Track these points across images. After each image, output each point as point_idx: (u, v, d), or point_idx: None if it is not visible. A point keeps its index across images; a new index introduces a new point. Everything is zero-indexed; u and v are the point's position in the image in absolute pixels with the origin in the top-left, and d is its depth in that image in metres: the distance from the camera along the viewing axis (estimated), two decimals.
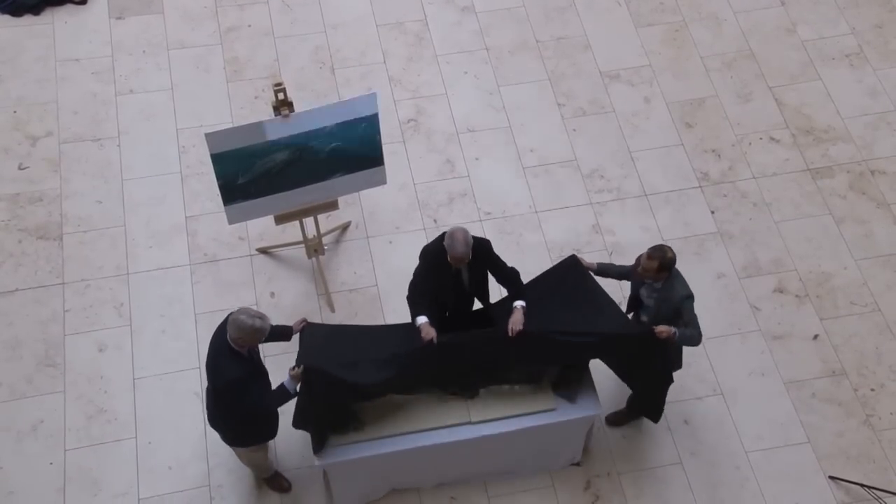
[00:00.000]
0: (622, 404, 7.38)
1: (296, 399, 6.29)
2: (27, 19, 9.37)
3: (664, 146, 8.84)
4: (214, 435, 7.21)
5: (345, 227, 8.29)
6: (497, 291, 6.86)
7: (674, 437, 7.42)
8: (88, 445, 7.24)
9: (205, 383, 7.31)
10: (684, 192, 8.58)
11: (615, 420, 7.42)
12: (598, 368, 7.15)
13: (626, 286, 7.03)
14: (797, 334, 7.91)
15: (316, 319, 7.61)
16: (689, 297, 6.47)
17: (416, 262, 6.62)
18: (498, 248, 6.68)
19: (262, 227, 8.13)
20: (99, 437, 7.27)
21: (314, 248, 7.79)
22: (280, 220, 7.54)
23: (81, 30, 9.32)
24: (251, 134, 6.88)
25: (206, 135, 6.82)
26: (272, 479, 7.07)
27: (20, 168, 8.49)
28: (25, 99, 8.86)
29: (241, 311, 5.96)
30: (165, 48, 9.24)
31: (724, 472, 7.30)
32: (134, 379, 7.52)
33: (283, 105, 6.87)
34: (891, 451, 7.41)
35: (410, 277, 6.59)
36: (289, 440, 7.23)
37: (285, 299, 7.88)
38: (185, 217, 8.28)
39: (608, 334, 6.52)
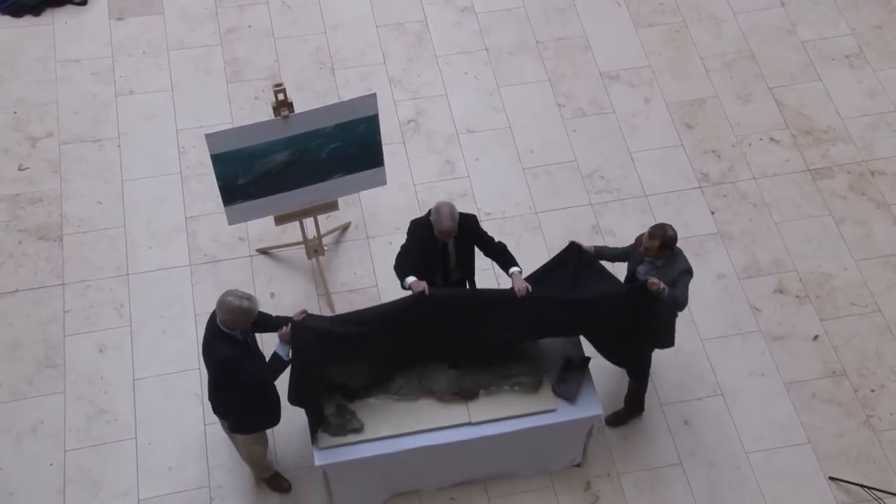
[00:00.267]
0: (621, 404, 7.38)
1: (291, 377, 6.29)
2: (27, 20, 9.37)
3: (664, 147, 8.84)
4: (215, 435, 7.23)
5: (345, 228, 8.29)
6: (488, 272, 6.85)
7: (674, 437, 7.42)
8: (88, 446, 7.24)
9: (205, 384, 7.33)
10: (684, 192, 8.58)
11: (615, 420, 7.43)
12: (598, 369, 7.16)
13: (619, 266, 7.01)
14: (797, 335, 7.90)
15: None
16: (688, 271, 6.54)
17: None
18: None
19: (262, 227, 8.13)
20: (99, 437, 7.27)
21: (314, 248, 7.79)
22: (280, 220, 7.54)
23: (81, 31, 9.32)
24: (251, 134, 6.88)
25: (206, 135, 6.83)
26: (272, 480, 7.07)
27: (20, 169, 8.49)
28: (26, 100, 8.87)
29: (229, 293, 5.99)
30: (165, 49, 9.24)
31: (724, 472, 7.30)
32: (134, 379, 7.52)
33: (282, 106, 6.87)
34: (891, 451, 7.41)
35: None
36: (289, 440, 7.24)
37: (285, 300, 7.88)
38: (185, 218, 8.28)
39: (605, 293, 6.53)
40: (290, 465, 7.18)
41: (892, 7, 9.79)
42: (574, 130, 8.90)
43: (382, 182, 7.54)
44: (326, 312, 7.78)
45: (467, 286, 6.97)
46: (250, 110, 8.82)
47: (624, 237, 8.23)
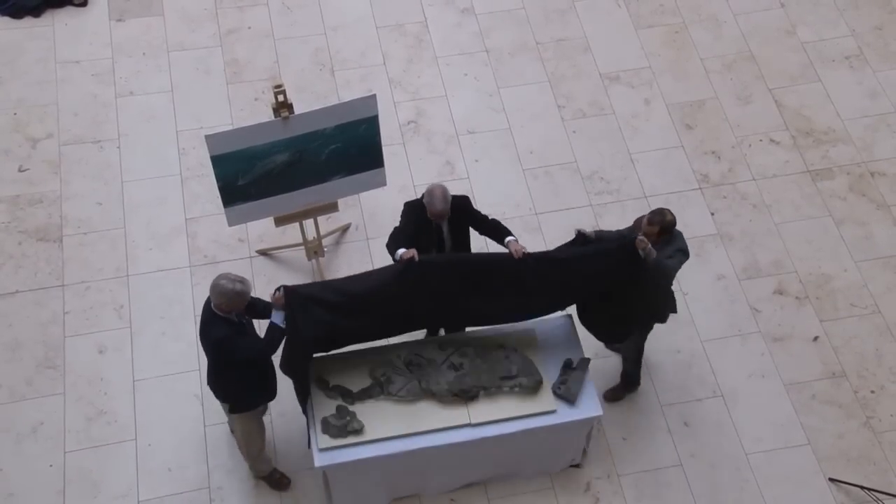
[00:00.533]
0: (620, 408, 7.38)
1: (284, 344, 6.32)
2: (27, 21, 9.37)
3: (664, 148, 8.84)
4: (215, 437, 7.24)
5: (345, 229, 8.29)
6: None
7: (674, 438, 7.41)
8: (88, 447, 7.24)
9: (205, 385, 7.34)
10: (684, 193, 8.58)
11: (611, 396, 7.47)
12: (598, 371, 7.16)
13: None
14: (797, 336, 7.90)
15: None
16: (683, 251, 6.56)
17: None
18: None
19: (261, 228, 8.13)
20: (99, 438, 7.27)
21: (314, 249, 7.79)
22: (280, 221, 7.54)
23: (82, 32, 9.33)
24: (251, 136, 6.88)
25: (206, 137, 6.84)
26: (270, 477, 7.08)
27: (20, 170, 8.49)
28: (26, 101, 8.87)
29: (222, 276, 6.03)
30: (165, 50, 9.24)
31: (724, 474, 7.30)
32: (134, 381, 7.52)
33: (282, 107, 6.87)
34: (891, 452, 7.41)
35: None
36: (289, 441, 7.24)
37: None
38: (185, 219, 8.29)
39: (598, 249, 6.57)
40: (290, 466, 7.18)
41: (891, 8, 9.79)
42: (574, 131, 8.90)
43: (382, 183, 7.54)
44: None
45: None
46: (250, 111, 8.83)
47: None
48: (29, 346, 7.63)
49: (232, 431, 7.18)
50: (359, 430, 6.52)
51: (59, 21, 9.39)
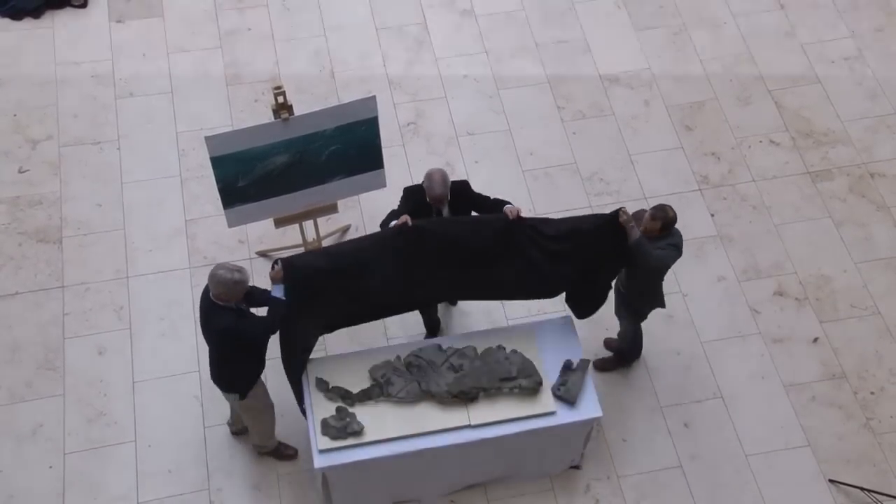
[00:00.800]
0: (619, 406, 7.37)
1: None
2: (27, 23, 9.37)
3: (664, 149, 8.84)
4: (214, 438, 7.24)
5: (344, 230, 8.29)
6: None
7: (674, 440, 7.41)
8: (88, 449, 7.23)
9: (205, 386, 7.35)
10: (684, 195, 8.58)
11: (602, 365, 7.55)
12: (598, 372, 7.15)
13: None
14: (797, 337, 7.90)
15: None
16: (676, 246, 6.63)
17: None
18: None
19: (261, 230, 8.13)
20: (98, 440, 7.27)
21: (314, 250, 7.78)
22: (280, 223, 7.54)
23: (81, 33, 9.33)
24: (251, 137, 6.88)
25: (206, 138, 6.84)
26: (277, 451, 7.13)
27: (20, 171, 8.49)
28: (25, 102, 8.87)
29: (219, 266, 6.06)
30: (165, 51, 9.24)
31: (724, 475, 7.29)
32: (133, 382, 7.52)
33: (282, 108, 6.87)
34: (891, 454, 7.40)
35: None
36: (288, 440, 7.23)
37: None
38: (185, 220, 8.28)
39: (588, 219, 6.68)
40: (290, 467, 7.18)
41: (891, 10, 9.79)
42: (574, 133, 8.90)
43: (382, 184, 7.54)
44: None
45: None
46: (250, 113, 8.83)
47: None
48: (29, 348, 7.63)
49: (230, 426, 7.19)
50: (358, 432, 6.51)
51: (58, 22, 9.40)
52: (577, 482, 7.22)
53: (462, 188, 6.80)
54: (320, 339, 7.12)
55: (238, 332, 6.13)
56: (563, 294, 7.04)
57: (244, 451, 7.24)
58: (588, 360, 6.87)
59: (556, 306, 7.81)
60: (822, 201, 8.59)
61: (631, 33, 9.56)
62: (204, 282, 7.85)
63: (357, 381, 6.70)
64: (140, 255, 8.09)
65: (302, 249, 7.83)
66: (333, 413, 6.56)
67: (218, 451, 7.23)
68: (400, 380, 6.68)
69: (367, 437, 6.52)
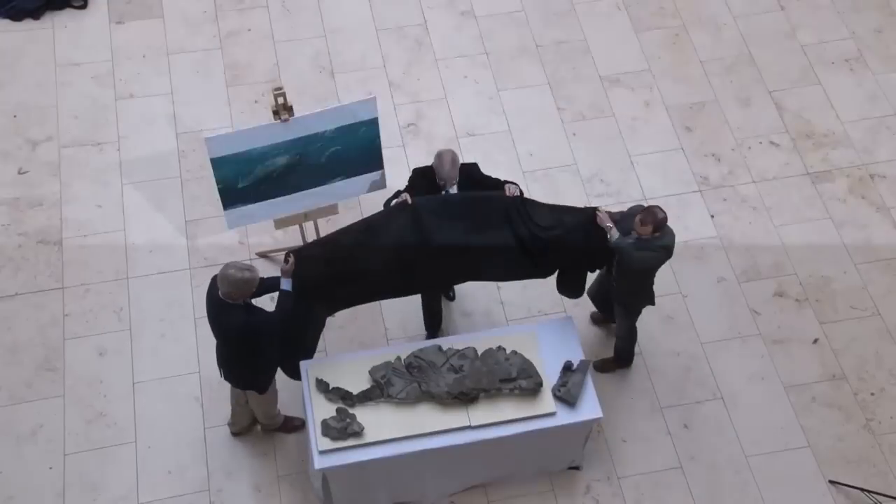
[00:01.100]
0: (620, 407, 7.37)
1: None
2: (27, 24, 9.37)
3: (664, 150, 8.84)
4: (215, 439, 7.24)
5: None
6: None
7: (674, 441, 7.41)
8: (88, 450, 7.23)
9: (205, 387, 7.35)
10: (684, 196, 8.58)
11: (602, 367, 7.56)
12: (598, 373, 7.14)
13: None
14: (797, 338, 7.90)
15: None
16: (666, 248, 6.65)
17: None
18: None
19: (261, 231, 8.13)
20: (98, 441, 7.27)
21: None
22: (280, 224, 7.54)
23: (81, 34, 9.33)
24: (251, 138, 6.88)
25: (206, 139, 6.84)
26: (284, 425, 7.20)
27: (20, 172, 8.49)
28: (25, 103, 8.87)
29: (230, 265, 6.10)
30: (165, 52, 9.24)
31: (724, 476, 7.29)
32: (133, 383, 7.51)
33: (282, 109, 6.87)
34: (891, 455, 7.40)
35: None
36: (288, 444, 7.23)
37: None
38: (185, 221, 8.28)
39: (570, 214, 6.78)
40: (290, 468, 7.18)
41: (891, 11, 9.79)
42: (574, 134, 8.91)
43: (382, 185, 7.54)
44: None
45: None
46: (250, 114, 8.83)
47: None
48: (28, 349, 7.63)
49: (231, 427, 7.21)
50: (359, 433, 6.51)
51: (58, 23, 9.39)
52: (577, 483, 7.22)
53: (471, 170, 6.88)
54: (320, 339, 7.11)
55: (255, 329, 6.19)
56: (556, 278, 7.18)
57: (244, 452, 7.24)
58: (588, 361, 6.87)
59: (556, 307, 7.82)
60: (823, 202, 8.60)
61: (631, 34, 9.57)
62: (204, 282, 7.91)
63: (357, 382, 6.70)
64: (140, 256, 8.09)
65: None
66: (334, 414, 6.56)
67: (218, 452, 7.23)
68: (400, 381, 6.68)
69: (368, 438, 6.52)
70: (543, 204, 6.84)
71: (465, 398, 6.64)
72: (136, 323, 7.77)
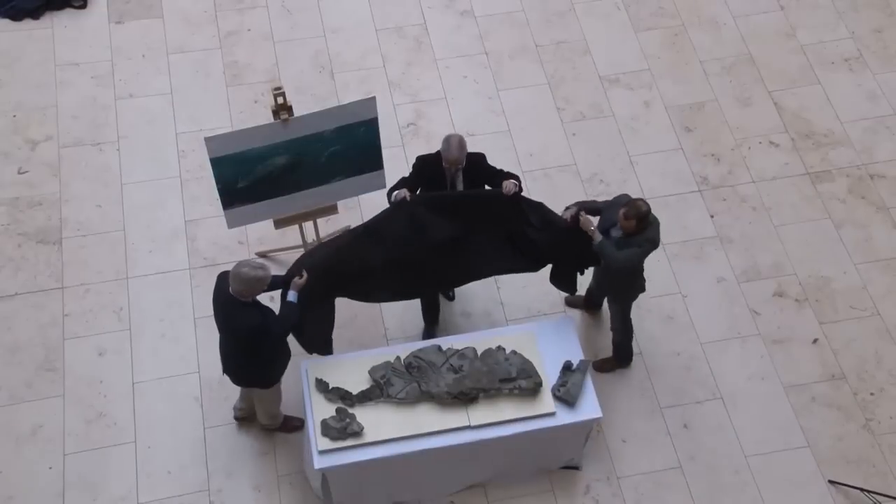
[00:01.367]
0: (619, 407, 7.37)
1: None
2: (27, 24, 9.37)
3: (663, 150, 8.84)
4: (214, 439, 7.24)
5: (344, 232, 8.28)
6: None
7: (673, 441, 7.41)
8: (88, 450, 7.23)
9: (205, 387, 7.34)
10: (683, 196, 8.59)
11: (601, 366, 7.56)
12: (597, 373, 7.14)
13: None
14: (797, 338, 7.90)
15: None
16: (652, 241, 6.69)
17: None
18: None
19: (261, 231, 8.13)
20: (98, 441, 7.27)
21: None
22: (280, 224, 7.55)
23: (81, 34, 9.33)
24: (251, 138, 6.88)
25: (206, 139, 6.84)
26: (285, 425, 7.21)
27: (20, 172, 8.49)
28: (25, 103, 8.87)
29: (242, 263, 6.15)
30: (165, 52, 9.24)
31: (723, 476, 7.29)
32: (133, 383, 7.51)
33: (282, 109, 6.87)
34: (890, 455, 7.41)
35: None
36: (289, 444, 7.23)
37: None
38: (185, 221, 8.28)
39: (558, 218, 6.88)
40: (290, 468, 7.18)
41: (891, 11, 9.79)
42: (573, 134, 8.91)
43: (382, 185, 7.54)
44: None
45: None
46: (250, 114, 8.83)
47: None
48: (28, 349, 7.63)
49: (236, 411, 7.25)
50: (358, 433, 6.52)
51: (58, 23, 9.39)
52: (576, 483, 7.22)
53: (478, 159, 6.96)
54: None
55: (266, 328, 6.24)
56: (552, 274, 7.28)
57: (244, 452, 7.25)
58: (588, 361, 6.87)
59: (555, 307, 7.83)
60: (822, 202, 8.60)
61: (631, 34, 9.57)
62: (204, 282, 7.92)
63: (357, 382, 6.70)
64: (140, 256, 8.09)
65: (302, 251, 7.83)
66: (333, 414, 6.57)
67: (218, 452, 7.23)
68: (400, 381, 6.68)
69: (367, 438, 6.52)
70: (539, 204, 6.90)
71: (464, 398, 6.64)
72: (135, 323, 7.77)
